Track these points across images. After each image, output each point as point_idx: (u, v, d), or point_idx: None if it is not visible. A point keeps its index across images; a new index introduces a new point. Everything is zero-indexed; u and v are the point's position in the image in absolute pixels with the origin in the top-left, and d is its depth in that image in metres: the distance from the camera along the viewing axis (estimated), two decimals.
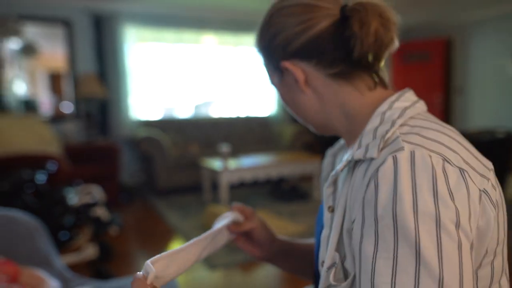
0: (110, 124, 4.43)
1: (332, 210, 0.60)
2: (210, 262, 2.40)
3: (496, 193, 0.51)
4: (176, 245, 2.77)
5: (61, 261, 1.32)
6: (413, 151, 0.47)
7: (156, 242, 2.83)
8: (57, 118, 4.25)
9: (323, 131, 0.68)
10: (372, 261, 0.45)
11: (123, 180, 4.26)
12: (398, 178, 0.45)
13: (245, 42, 5.05)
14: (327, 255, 0.57)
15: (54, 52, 4.24)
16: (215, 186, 4.12)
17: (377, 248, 0.45)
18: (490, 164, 0.53)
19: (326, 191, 0.61)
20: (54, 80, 4.37)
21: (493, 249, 0.51)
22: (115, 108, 4.40)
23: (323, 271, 0.57)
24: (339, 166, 0.58)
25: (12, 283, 1.06)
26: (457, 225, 0.44)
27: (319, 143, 4.93)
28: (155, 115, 4.72)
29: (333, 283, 0.54)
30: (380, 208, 0.45)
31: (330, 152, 0.78)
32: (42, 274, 1.12)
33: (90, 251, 2.15)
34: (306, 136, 4.81)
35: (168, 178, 4.08)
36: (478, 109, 5.37)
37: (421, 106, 0.58)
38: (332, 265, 0.55)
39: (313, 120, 0.65)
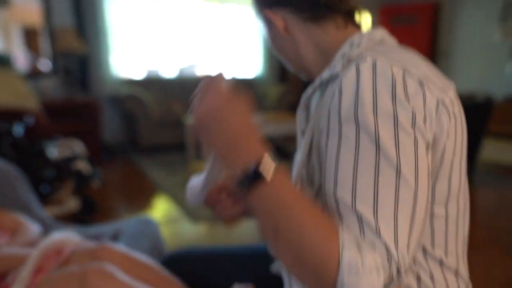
0: (91, 81, 4.30)
1: (303, 132, 0.64)
2: (193, 215, 2.43)
3: (455, 107, 0.54)
4: (160, 201, 2.79)
5: (42, 209, 1.31)
6: (375, 60, 0.50)
7: (139, 198, 2.84)
8: (34, 75, 4.09)
9: (308, 75, 0.71)
10: (336, 158, 0.48)
11: (105, 138, 4.20)
12: (360, 84, 0.48)
13: None
14: (294, 172, 0.60)
15: (28, 4, 4.02)
16: (199, 145, 4.12)
17: (340, 146, 0.48)
18: (451, 84, 0.57)
19: (299, 116, 0.66)
20: (30, 36, 4.16)
21: (450, 160, 0.53)
22: (95, 65, 4.25)
23: None
24: (310, 89, 0.63)
25: None
26: (413, 124, 0.47)
27: None
28: (138, 74, 4.60)
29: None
30: (343, 112, 0.49)
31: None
32: (22, 218, 1.11)
33: (72, 204, 2.15)
34: (291, 96, 4.79)
35: (151, 136, 4.04)
36: (462, 74, 5.41)
37: (392, 40, 0.63)
38: (299, 177, 0.59)
39: (297, 64, 0.69)
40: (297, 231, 0.45)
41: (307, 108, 0.66)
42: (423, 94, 0.49)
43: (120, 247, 0.96)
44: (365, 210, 0.44)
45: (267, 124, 3.78)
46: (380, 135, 0.46)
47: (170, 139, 4.15)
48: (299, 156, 0.61)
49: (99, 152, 3.65)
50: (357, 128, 0.47)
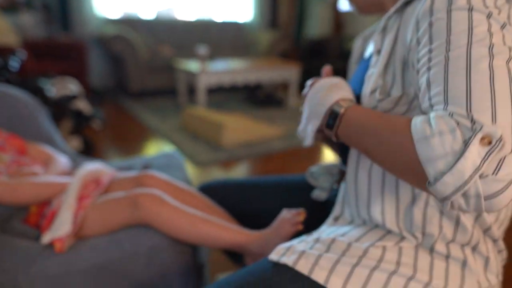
0: (72, 20, 4.04)
1: (379, 52, 0.64)
2: (193, 158, 2.44)
3: None
4: (158, 145, 2.77)
5: (65, 142, 1.27)
6: None
7: (134, 142, 2.80)
8: (7, 7, 3.79)
9: (379, 8, 0.72)
10: (428, 54, 0.48)
11: (92, 82, 4.04)
12: None
13: None
14: (370, 84, 0.60)
15: None
16: (191, 90, 4.03)
17: (431, 41, 0.48)
18: None
19: (376, 37, 0.66)
20: None
21: None
22: (76, 2, 3.98)
23: (366, 97, 0.61)
24: (392, 9, 0.62)
25: (21, 156, 1.02)
26: (503, 26, 0.46)
27: (295, 51, 4.85)
28: (118, 14, 4.34)
29: (379, 97, 0.58)
30: (435, 10, 0.48)
31: (361, 35, 0.83)
32: (51, 150, 1.08)
33: (74, 144, 2.10)
34: (282, 44, 4.69)
35: (141, 81, 3.92)
36: None
37: None
38: (376, 87, 0.59)
39: None
40: (381, 144, 0.49)
41: (385, 29, 0.65)
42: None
43: (161, 174, 0.96)
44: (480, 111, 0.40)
45: (261, 69, 3.72)
46: (473, 21, 0.45)
47: (160, 84, 4.04)
48: (375, 72, 0.62)
49: (87, 96, 3.53)
50: (449, 18, 0.46)
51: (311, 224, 0.85)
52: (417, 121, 0.44)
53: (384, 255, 0.57)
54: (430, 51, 0.48)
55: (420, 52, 0.50)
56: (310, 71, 4.61)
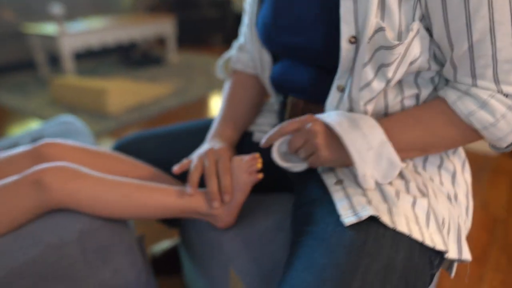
0: None
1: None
2: None
3: None
4: (23, 127, 2.32)
5: None
6: None
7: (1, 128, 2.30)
8: None
9: None
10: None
11: None
12: None
13: None
14: (367, 23, 0.51)
15: None
16: (53, 59, 3.44)
17: None
18: None
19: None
20: None
21: None
22: None
23: (363, 41, 0.52)
24: None
25: None
26: None
27: (163, 4, 4.49)
28: None
29: (394, 42, 0.50)
30: None
31: None
32: None
33: None
34: None
35: None
36: None
37: None
38: (380, 28, 0.50)
39: None
40: (436, 148, 0.57)
41: None
42: None
43: (66, 140, 0.74)
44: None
45: (134, 25, 3.35)
46: None
47: (11, 57, 3.35)
48: (355, 8, 0.53)
49: None
50: None
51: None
52: (466, 109, 0.51)
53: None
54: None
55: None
56: (185, 23, 4.35)
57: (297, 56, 0.67)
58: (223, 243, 0.71)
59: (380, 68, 0.53)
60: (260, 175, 0.66)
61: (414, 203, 0.53)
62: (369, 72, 0.54)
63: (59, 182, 0.62)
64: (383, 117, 0.60)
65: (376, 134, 0.54)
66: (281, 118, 0.76)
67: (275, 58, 0.77)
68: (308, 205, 0.58)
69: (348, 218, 0.50)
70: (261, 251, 0.67)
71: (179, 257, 1.07)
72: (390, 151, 0.54)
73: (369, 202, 0.52)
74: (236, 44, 0.86)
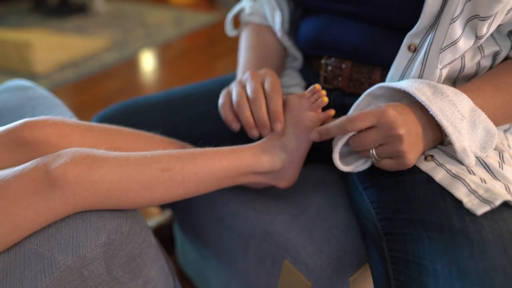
0: None
1: None
2: None
3: None
4: None
5: None
6: None
7: None
8: None
9: None
10: None
11: None
12: None
13: None
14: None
15: None
16: None
17: None
18: None
19: None
20: None
21: None
22: None
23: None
24: None
25: None
26: None
27: None
28: None
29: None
30: None
31: None
32: None
33: None
34: None
35: None
36: None
37: None
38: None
39: None
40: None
41: None
42: None
43: (55, 116, 0.54)
44: None
45: None
46: None
47: None
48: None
49: None
50: None
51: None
52: None
53: None
54: None
55: None
56: None
57: (352, 13, 0.55)
58: (274, 232, 0.59)
59: (471, 22, 0.44)
60: (332, 111, 0.52)
61: None
62: (457, 28, 0.44)
63: (76, 174, 0.44)
64: (453, 82, 0.52)
65: (464, 100, 0.45)
66: (311, 80, 0.65)
67: (304, 12, 0.66)
68: (392, 186, 0.48)
69: (475, 206, 0.41)
70: (325, 239, 0.57)
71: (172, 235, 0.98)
72: (483, 118, 0.46)
73: (484, 181, 0.44)
74: None
